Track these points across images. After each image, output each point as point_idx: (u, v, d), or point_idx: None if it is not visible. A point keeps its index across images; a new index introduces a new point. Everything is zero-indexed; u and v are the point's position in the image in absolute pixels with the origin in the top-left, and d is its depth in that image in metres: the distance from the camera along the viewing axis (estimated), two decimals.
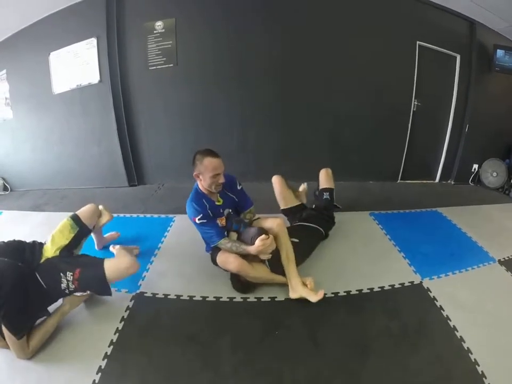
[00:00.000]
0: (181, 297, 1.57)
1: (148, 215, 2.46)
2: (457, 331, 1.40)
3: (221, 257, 1.55)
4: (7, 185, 3.69)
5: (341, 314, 1.49)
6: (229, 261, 1.50)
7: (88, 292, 1.46)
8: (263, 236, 1.44)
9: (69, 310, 1.41)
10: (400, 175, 3.35)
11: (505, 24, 3.05)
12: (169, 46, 2.74)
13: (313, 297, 1.46)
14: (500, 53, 3.17)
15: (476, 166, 3.49)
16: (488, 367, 1.21)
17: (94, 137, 3.06)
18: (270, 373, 1.20)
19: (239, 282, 1.57)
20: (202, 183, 1.54)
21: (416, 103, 3.16)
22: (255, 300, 1.56)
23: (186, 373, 1.21)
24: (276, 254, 1.54)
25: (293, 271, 1.54)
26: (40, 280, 1.33)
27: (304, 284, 1.52)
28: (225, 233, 1.59)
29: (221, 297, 1.57)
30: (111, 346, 1.29)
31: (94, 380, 1.15)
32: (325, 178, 2.22)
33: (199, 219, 1.51)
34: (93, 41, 2.77)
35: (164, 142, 3.10)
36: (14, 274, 1.26)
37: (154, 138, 3.08)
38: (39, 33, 3.00)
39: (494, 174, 3.41)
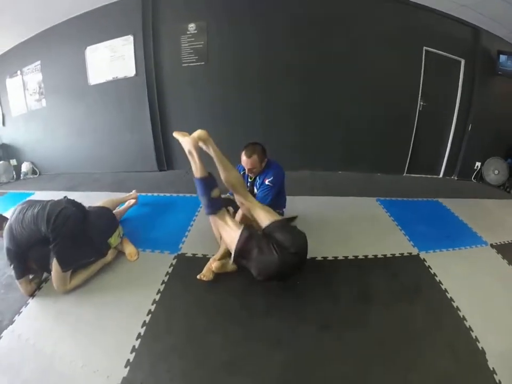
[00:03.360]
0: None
1: (181, 194, 2.89)
2: (448, 293, 1.75)
3: None
4: (36, 169, 4.17)
5: (350, 272, 1.90)
6: None
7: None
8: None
9: (110, 260, 1.86)
10: (406, 168, 3.80)
11: (508, 31, 3.49)
12: (201, 45, 3.18)
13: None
14: (502, 58, 3.58)
15: (478, 164, 3.91)
16: (475, 323, 1.56)
17: (127, 125, 3.50)
18: (295, 314, 1.57)
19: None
20: None
21: (422, 103, 3.60)
22: None
23: (227, 314, 1.56)
24: None
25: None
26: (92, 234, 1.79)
27: None
28: None
29: None
30: (159, 294, 1.65)
31: (144, 321, 1.49)
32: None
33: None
34: (130, 38, 3.22)
35: (193, 131, 3.50)
36: (76, 220, 1.70)
37: (184, 128, 3.38)
38: (76, 29, 3.44)
39: (496, 172, 3.84)
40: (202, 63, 3.26)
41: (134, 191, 2.62)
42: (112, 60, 3.33)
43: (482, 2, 3.00)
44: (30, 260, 1.64)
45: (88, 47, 3.44)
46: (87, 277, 1.73)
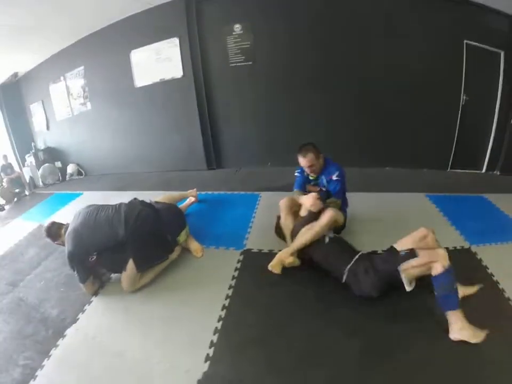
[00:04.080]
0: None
1: (235, 192, 2.94)
2: (499, 284, 1.75)
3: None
4: (81, 170, 4.39)
5: None
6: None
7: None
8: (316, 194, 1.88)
9: (176, 257, 1.89)
10: (450, 164, 3.79)
11: None
12: (248, 45, 3.29)
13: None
14: None
15: None
16: None
17: (175, 125, 3.65)
18: (366, 304, 1.58)
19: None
20: None
21: (465, 97, 3.60)
22: None
23: (302, 305, 1.59)
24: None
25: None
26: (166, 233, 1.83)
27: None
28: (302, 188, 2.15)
29: None
30: (231, 289, 1.69)
31: (220, 315, 1.51)
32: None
33: (297, 172, 2.18)
34: (175, 40, 3.36)
35: (240, 131, 3.65)
36: (153, 222, 1.76)
37: (232, 127, 3.63)
38: (119, 33, 3.62)
39: None
40: (250, 62, 3.36)
41: (194, 189, 2.67)
42: (158, 62, 3.49)
43: None
44: (98, 262, 1.67)
45: (132, 51, 3.61)
46: (154, 275, 1.75)
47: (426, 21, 3.36)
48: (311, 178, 2.17)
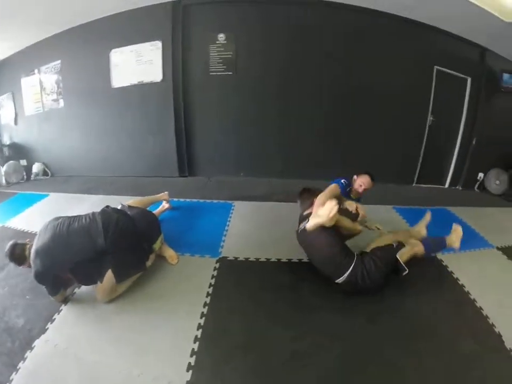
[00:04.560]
0: (259, 260, 2.07)
1: (208, 200, 2.95)
2: (465, 287, 1.99)
3: None
4: (47, 170, 4.17)
5: None
6: None
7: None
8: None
9: (150, 264, 1.85)
10: (415, 179, 4.09)
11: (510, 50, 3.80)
12: (230, 56, 3.34)
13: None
14: (506, 76, 3.96)
15: (481, 175, 4.23)
16: (490, 311, 1.78)
17: (149, 131, 3.59)
18: (345, 307, 1.73)
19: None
20: None
21: (431, 118, 3.90)
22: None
23: (282, 310, 1.65)
24: None
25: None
26: (143, 241, 1.79)
27: None
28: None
29: (281, 259, 2.09)
30: (209, 297, 1.70)
31: (199, 323, 1.52)
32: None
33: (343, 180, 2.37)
34: (158, 43, 3.33)
35: (216, 139, 3.67)
36: (132, 230, 1.72)
37: (208, 135, 3.65)
38: (101, 31, 3.51)
39: (497, 182, 4.17)
40: (230, 73, 3.41)
41: (166, 192, 2.62)
42: (139, 64, 3.43)
43: (489, 25, 3.32)
44: (71, 274, 1.58)
45: (113, 50, 3.52)
46: (129, 284, 1.71)
47: (400, 46, 3.61)
48: (352, 196, 2.36)
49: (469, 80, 3.97)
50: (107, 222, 1.63)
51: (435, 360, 1.48)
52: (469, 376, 1.41)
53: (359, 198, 2.34)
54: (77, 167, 3.97)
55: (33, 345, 1.41)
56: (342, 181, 2.33)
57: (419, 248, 1.89)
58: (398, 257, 1.79)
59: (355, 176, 2.38)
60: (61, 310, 1.60)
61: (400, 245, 1.85)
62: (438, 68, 3.78)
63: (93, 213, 1.71)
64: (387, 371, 1.40)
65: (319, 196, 1.93)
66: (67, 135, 3.94)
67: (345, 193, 2.28)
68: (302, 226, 1.89)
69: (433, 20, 3.46)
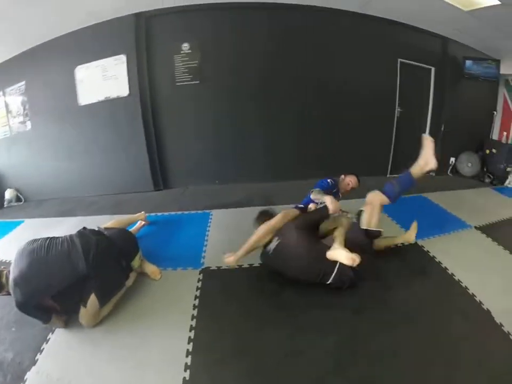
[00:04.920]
0: (242, 266, 2.07)
1: (186, 212, 2.93)
2: (448, 270, 2.07)
3: None
4: (20, 195, 3.99)
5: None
6: None
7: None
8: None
9: (131, 283, 1.82)
10: (389, 170, 4.19)
11: (472, 38, 3.95)
12: (195, 65, 3.32)
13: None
14: (468, 63, 4.11)
15: (453, 159, 4.38)
16: (476, 290, 1.86)
17: (121, 146, 3.52)
18: (332, 304, 1.75)
19: None
20: None
21: (399, 110, 4.00)
22: None
23: (271, 314, 1.68)
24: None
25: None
26: (122, 260, 1.76)
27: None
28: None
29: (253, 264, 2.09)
30: (196, 309, 1.69)
31: (189, 337, 1.51)
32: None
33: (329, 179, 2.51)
34: (122, 57, 3.28)
35: (188, 149, 3.64)
36: (112, 250, 1.68)
37: (179, 146, 3.62)
38: (65, 47, 3.41)
39: (469, 164, 4.31)
40: (197, 82, 3.39)
41: (143, 212, 2.60)
42: (105, 79, 3.36)
43: (452, 18, 3.43)
44: (53, 302, 1.49)
45: (78, 67, 3.43)
46: (112, 306, 1.68)
47: (363, 43, 3.70)
48: (341, 195, 2.53)
49: (433, 69, 4.10)
50: (87, 246, 1.58)
51: (427, 345, 1.51)
52: (464, 356, 1.45)
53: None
54: (51, 190, 3.83)
55: (25, 378, 1.36)
56: (328, 180, 2.43)
57: (381, 199, 2.04)
58: (365, 228, 1.94)
59: (343, 176, 2.54)
60: (49, 338, 1.55)
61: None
62: (402, 60, 3.89)
63: (71, 236, 1.65)
64: (380, 361, 1.43)
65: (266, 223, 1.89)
66: (38, 157, 3.80)
67: (334, 192, 2.38)
68: (271, 247, 1.84)
69: (391, 14, 3.55)
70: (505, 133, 4.27)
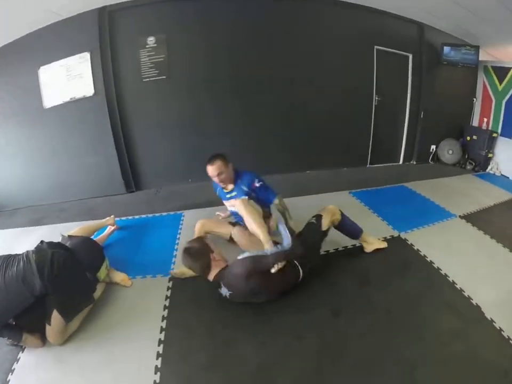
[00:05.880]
0: None
1: (157, 214, 2.79)
2: (434, 264, 1.98)
3: None
4: None
5: (342, 262, 2.02)
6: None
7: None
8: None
9: (100, 294, 1.74)
10: (368, 160, 4.07)
11: (448, 23, 3.80)
12: (162, 59, 3.12)
13: None
14: (446, 49, 3.98)
15: (433, 147, 4.28)
16: (464, 284, 1.78)
17: (90, 148, 3.31)
18: (308, 306, 1.65)
19: None
20: None
21: (377, 98, 3.87)
22: None
23: (242, 323, 1.56)
24: None
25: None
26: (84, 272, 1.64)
27: None
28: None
29: None
30: (164, 321, 1.59)
31: (158, 352, 1.42)
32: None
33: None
34: (86, 55, 3.06)
35: (159, 148, 3.46)
36: (71, 262, 1.55)
37: (150, 146, 3.43)
38: (27, 48, 3.16)
39: (450, 151, 4.21)
40: (164, 77, 3.20)
41: (112, 216, 2.46)
42: (69, 79, 3.14)
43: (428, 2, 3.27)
44: (17, 323, 1.43)
45: (41, 67, 3.20)
46: (80, 320, 1.58)
47: (337, 30, 3.55)
48: (224, 190, 2.08)
49: (411, 56, 3.98)
50: (42, 262, 1.44)
51: (415, 346, 1.40)
52: (455, 354, 1.36)
53: (235, 188, 2.03)
54: (23, 198, 3.59)
55: None
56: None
57: (337, 213, 1.93)
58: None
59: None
60: (19, 358, 1.45)
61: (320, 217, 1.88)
62: (378, 47, 3.75)
63: (27, 252, 1.51)
64: (363, 366, 1.33)
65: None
66: (7, 165, 3.55)
67: (223, 195, 2.14)
68: (224, 293, 1.62)
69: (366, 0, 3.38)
70: (485, 119, 4.18)
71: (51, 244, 1.62)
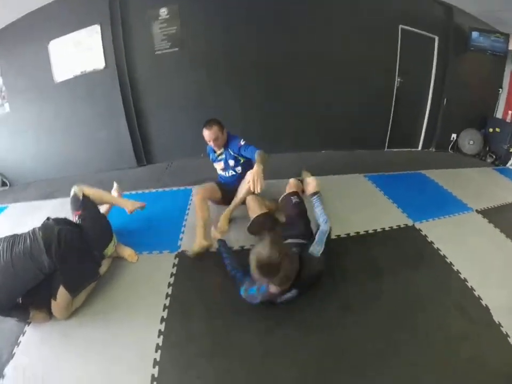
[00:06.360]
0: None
1: (167, 189, 2.73)
2: (447, 258, 1.85)
3: None
4: (5, 180, 3.78)
5: (354, 249, 1.91)
6: None
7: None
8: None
9: (105, 270, 1.72)
10: (386, 144, 3.86)
11: (479, 8, 3.53)
12: (174, 31, 3.00)
13: None
14: (475, 34, 3.68)
15: (454, 135, 4.04)
16: (475, 283, 1.67)
17: (101, 122, 3.26)
18: (316, 296, 1.54)
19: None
20: None
21: (399, 79, 3.63)
22: None
23: (246, 309, 1.45)
24: None
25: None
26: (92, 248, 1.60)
27: None
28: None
29: (244, 246, 1.92)
30: (168, 298, 1.55)
31: (160, 330, 1.39)
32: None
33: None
34: (96, 27, 2.96)
35: (170, 122, 3.37)
36: (77, 238, 1.52)
37: (161, 119, 3.34)
38: (36, 23, 3.10)
39: (471, 142, 3.97)
40: (176, 49, 3.08)
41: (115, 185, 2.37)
42: (79, 52, 3.06)
43: None
44: (23, 301, 1.42)
45: (51, 42, 3.12)
46: (86, 295, 1.57)
47: (360, 7, 3.29)
48: (216, 154, 2.15)
49: (437, 39, 3.70)
50: (49, 238, 1.43)
51: (422, 348, 1.32)
52: (462, 358, 1.28)
53: (224, 151, 2.11)
54: (35, 172, 3.62)
55: (3, 373, 1.28)
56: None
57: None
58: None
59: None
60: (25, 331, 1.45)
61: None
62: (403, 27, 3.49)
63: (33, 230, 1.49)
64: (369, 362, 1.26)
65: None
66: (19, 139, 3.56)
67: (214, 156, 2.19)
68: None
69: None
70: (510, 112, 3.91)
71: (57, 220, 1.60)
